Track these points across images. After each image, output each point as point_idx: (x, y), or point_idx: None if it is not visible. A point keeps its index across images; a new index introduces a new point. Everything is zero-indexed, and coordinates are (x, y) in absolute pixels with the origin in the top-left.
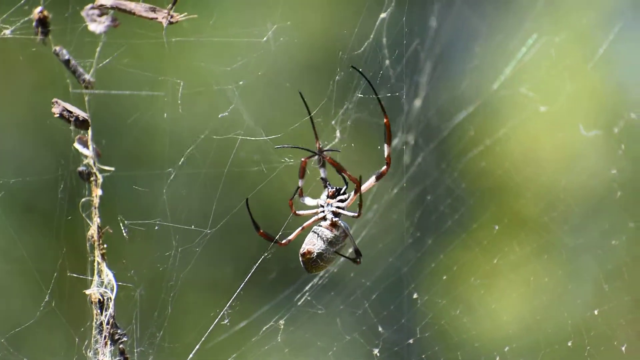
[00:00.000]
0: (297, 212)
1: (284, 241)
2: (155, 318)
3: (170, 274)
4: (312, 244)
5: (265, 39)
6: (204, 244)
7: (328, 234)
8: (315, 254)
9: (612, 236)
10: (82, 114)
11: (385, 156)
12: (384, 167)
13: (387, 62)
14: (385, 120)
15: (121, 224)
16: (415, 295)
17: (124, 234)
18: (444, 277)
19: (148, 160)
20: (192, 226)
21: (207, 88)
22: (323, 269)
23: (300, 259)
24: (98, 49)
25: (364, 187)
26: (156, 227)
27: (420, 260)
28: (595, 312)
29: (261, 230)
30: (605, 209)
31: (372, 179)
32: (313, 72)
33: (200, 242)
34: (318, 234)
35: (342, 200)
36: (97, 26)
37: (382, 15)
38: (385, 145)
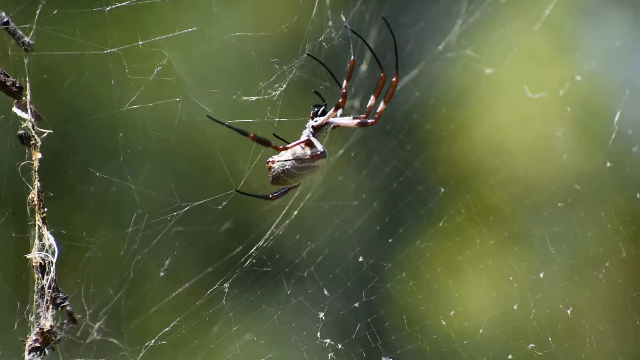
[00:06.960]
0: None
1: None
2: (113, 282)
3: (132, 237)
4: (280, 155)
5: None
6: (177, 217)
7: (299, 150)
8: (277, 166)
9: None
10: (16, 82)
11: (378, 110)
12: (371, 120)
13: (330, 22)
14: (394, 79)
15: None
16: (360, 259)
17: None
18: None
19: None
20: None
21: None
22: (286, 184)
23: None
24: (38, 12)
25: (341, 122)
26: (114, 188)
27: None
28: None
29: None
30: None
31: (354, 120)
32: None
33: (169, 212)
34: (292, 150)
35: (317, 121)
36: None
37: None
38: (382, 102)
